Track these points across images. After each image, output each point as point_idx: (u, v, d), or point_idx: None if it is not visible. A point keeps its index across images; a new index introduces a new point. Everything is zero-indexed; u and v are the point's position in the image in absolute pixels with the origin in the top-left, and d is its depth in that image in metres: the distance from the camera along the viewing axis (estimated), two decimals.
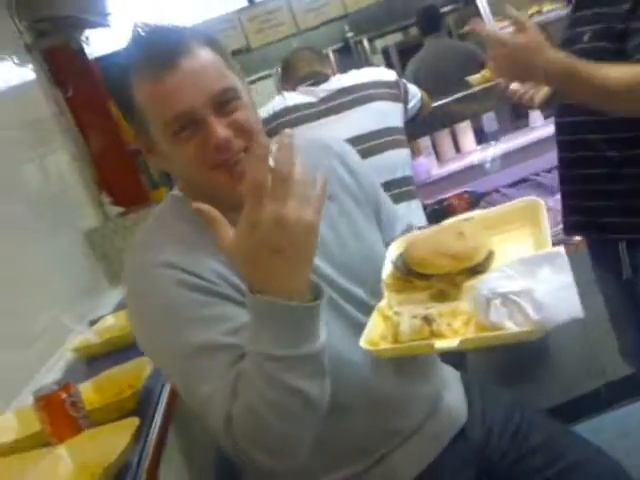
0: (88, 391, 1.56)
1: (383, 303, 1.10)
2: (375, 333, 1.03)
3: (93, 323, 2.35)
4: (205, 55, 1.05)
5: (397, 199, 2.21)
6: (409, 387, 1.23)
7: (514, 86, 1.79)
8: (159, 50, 1.02)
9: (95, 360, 1.98)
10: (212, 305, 1.03)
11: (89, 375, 1.72)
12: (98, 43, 3.57)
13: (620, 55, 1.46)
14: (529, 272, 0.96)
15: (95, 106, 3.43)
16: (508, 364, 2.53)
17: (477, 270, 1.07)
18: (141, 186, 3.67)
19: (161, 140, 1.06)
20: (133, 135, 1.15)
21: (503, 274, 0.98)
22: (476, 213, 1.23)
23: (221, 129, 1.03)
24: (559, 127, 1.76)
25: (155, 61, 1.02)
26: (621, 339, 1.96)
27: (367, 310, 1.11)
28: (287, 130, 0.89)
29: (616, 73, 1.40)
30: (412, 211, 2.33)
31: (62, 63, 3.25)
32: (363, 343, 1.00)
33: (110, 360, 1.82)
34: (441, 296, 1.08)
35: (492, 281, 0.97)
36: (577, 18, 1.65)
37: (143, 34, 1.05)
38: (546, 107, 1.84)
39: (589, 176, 1.67)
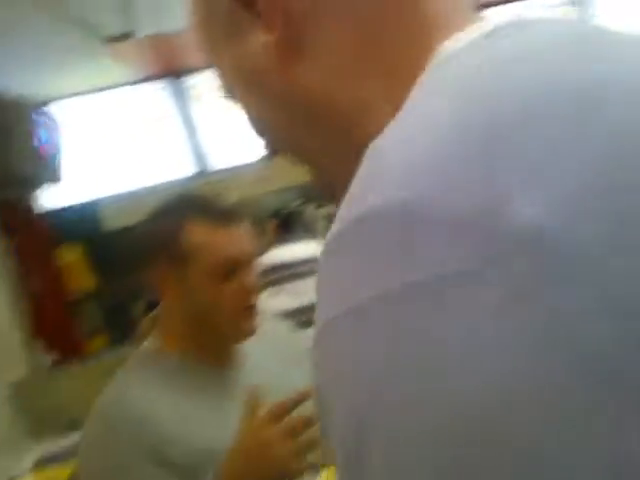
0: None
1: None
2: None
3: None
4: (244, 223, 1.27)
5: None
6: None
7: None
8: (221, 207, 1.25)
9: None
10: (153, 475, 1.11)
11: None
12: (48, 197, 3.72)
13: None
14: None
15: (38, 255, 3.53)
16: None
17: None
18: (76, 335, 3.69)
19: (202, 277, 1.22)
20: (161, 273, 1.26)
21: None
22: None
23: (254, 277, 1.25)
24: None
25: (219, 214, 1.24)
26: None
27: None
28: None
29: None
30: None
31: (11, 215, 3.38)
32: None
33: None
34: None
35: None
36: None
37: (193, 194, 1.30)
38: None
39: None
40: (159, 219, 1.27)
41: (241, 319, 1.25)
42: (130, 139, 3.95)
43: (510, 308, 0.27)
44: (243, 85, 0.48)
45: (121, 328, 4.27)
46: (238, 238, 1.25)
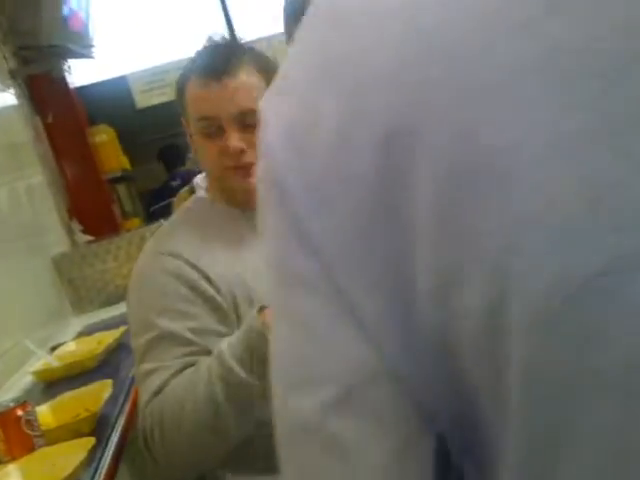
0: (45, 413, 1.57)
1: None
2: None
3: (54, 349, 2.35)
4: (248, 78, 1.24)
5: None
6: None
7: None
8: (212, 64, 1.24)
9: (54, 384, 1.98)
10: (193, 303, 1.18)
11: (47, 398, 1.73)
12: (80, 73, 3.63)
13: None
14: None
15: (73, 134, 3.47)
16: None
17: None
18: (113, 216, 3.69)
19: (194, 132, 1.28)
20: (184, 122, 1.33)
21: None
22: None
23: (235, 140, 1.22)
24: None
25: (206, 71, 1.24)
26: None
27: None
28: None
29: None
30: None
31: (44, 90, 3.30)
32: None
33: (69, 385, 1.83)
34: None
35: None
36: None
37: (213, 45, 1.30)
38: None
39: None
40: (177, 80, 1.32)
41: (227, 177, 1.26)
42: (162, 11, 3.81)
43: None
44: None
45: (153, 209, 4.31)
46: (223, 96, 1.23)
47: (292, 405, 0.35)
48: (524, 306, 0.29)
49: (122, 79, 3.75)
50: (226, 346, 1.10)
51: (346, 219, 0.33)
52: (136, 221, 4.07)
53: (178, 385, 1.12)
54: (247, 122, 1.22)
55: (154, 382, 1.14)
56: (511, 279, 0.29)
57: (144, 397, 1.15)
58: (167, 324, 1.16)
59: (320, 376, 0.35)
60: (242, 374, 1.06)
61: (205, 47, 1.31)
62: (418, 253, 0.31)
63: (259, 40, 3.69)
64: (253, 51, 1.32)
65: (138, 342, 1.20)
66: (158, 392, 1.13)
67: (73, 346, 2.25)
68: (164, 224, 1.38)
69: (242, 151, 1.22)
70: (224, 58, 1.25)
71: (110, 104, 3.85)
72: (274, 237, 0.37)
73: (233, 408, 1.09)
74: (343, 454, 0.34)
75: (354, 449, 0.34)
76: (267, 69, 1.27)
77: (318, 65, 0.35)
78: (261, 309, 1.08)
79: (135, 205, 4.87)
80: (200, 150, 1.29)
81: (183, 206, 1.38)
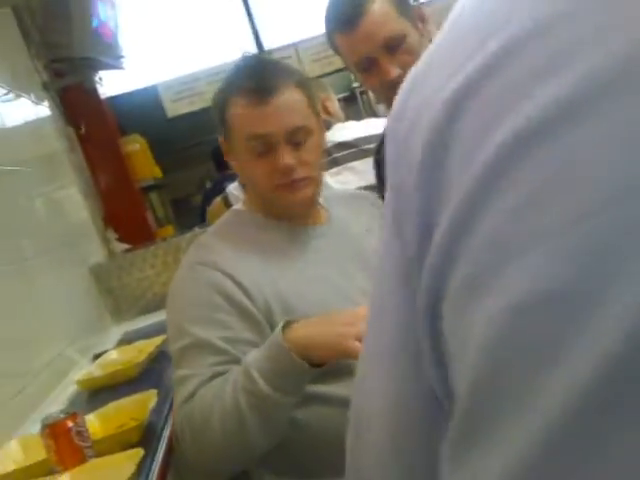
0: (92, 422, 1.58)
1: None
2: None
3: (96, 357, 2.38)
4: (293, 95, 1.28)
5: None
6: None
7: None
8: (259, 82, 1.26)
9: (98, 393, 2.00)
10: (227, 312, 1.21)
11: (92, 408, 1.74)
12: (111, 84, 3.67)
13: None
14: None
15: (106, 144, 3.51)
16: None
17: None
18: (147, 224, 3.72)
19: (240, 151, 1.30)
20: (221, 140, 1.36)
21: None
22: None
23: (287, 157, 1.26)
24: None
25: (253, 89, 1.26)
26: None
27: None
28: None
29: None
30: None
31: (76, 102, 3.34)
32: None
33: (113, 394, 1.84)
34: None
35: None
36: None
37: (249, 63, 1.33)
38: None
39: None
40: (217, 91, 1.35)
41: (278, 195, 1.29)
42: (189, 21, 3.83)
43: None
44: None
45: (186, 217, 4.33)
46: (270, 114, 1.26)
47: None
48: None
49: (152, 88, 3.78)
50: (252, 358, 1.14)
51: None
52: (169, 229, 4.10)
53: (207, 393, 1.16)
54: (296, 139, 1.27)
55: (186, 388, 1.19)
56: None
57: (177, 402, 1.21)
58: (200, 332, 1.21)
59: None
60: (264, 386, 1.10)
61: (240, 64, 1.34)
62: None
63: (285, 47, 3.70)
64: (288, 66, 1.38)
65: (174, 348, 1.26)
66: (189, 398, 1.17)
67: (115, 355, 2.27)
68: (201, 235, 1.41)
69: (292, 168, 1.26)
70: (267, 76, 1.28)
71: (141, 113, 3.89)
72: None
73: (258, 418, 1.12)
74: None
75: None
76: (303, 83, 1.31)
77: None
78: (287, 324, 1.13)
79: (167, 212, 4.91)
80: (248, 169, 1.31)
81: (221, 219, 1.42)
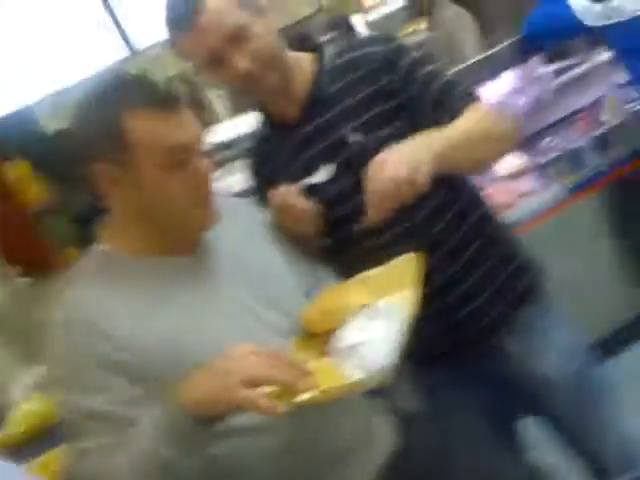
0: None
1: None
2: None
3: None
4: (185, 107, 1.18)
5: None
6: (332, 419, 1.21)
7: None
8: (155, 93, 1.15)
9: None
10: (106, 376, 1.09)
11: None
12: None
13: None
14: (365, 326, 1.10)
15: None
16: None
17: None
18: (46, 251, 3.54)
19: (149, 172, 1.13)
20: (98, 166, 1.15)
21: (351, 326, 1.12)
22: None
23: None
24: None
25: (154, 101, 1.13)
26: None
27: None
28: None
29: (465, 123, 1.35)
30: None
31: None
32: None
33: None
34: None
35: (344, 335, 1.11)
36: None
37: (123, 75, 1.25)
38: None
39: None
40: (94, 112, 1.16)
41: (198, 209, 1.18)
42: (52, 35, 3.65)
43: None
44: None
45: (90, 238, 4.16)
46: (181, 123, 1.15)
47: None
48: None
49: (27, 109, 3.59)
50: (148, 424, 1.04)
51: None
52: (74, 252, 3.91)
53: (101, 467, 1.07)
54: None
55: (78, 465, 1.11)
56: None
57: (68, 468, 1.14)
58: (83, 400, 1.09)
59: None
60: (166, 450, 1.01)
61: (117, 76, 1.26)
62: None
63: (158, 45, 3.58)
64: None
65: (59, 413, 1.14)
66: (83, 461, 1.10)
67: (26, 407, 2.13)
68: (65, 285, 1.20)
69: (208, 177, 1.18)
70: (161, 86, 1.18)
71: (20, 135, 3.69)
72: None
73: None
74: None
75: None
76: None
77: None
78: (174, 388, 1.02)
79: (70, 232, 4.71)
80: (159, 189, 1.14)
81: (82, 263, 1.23)
